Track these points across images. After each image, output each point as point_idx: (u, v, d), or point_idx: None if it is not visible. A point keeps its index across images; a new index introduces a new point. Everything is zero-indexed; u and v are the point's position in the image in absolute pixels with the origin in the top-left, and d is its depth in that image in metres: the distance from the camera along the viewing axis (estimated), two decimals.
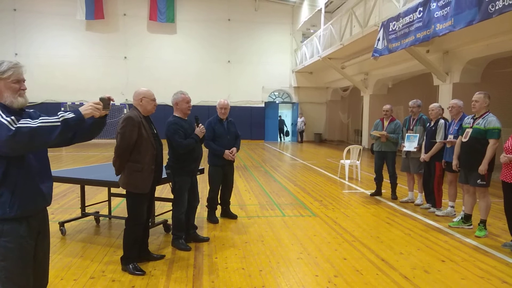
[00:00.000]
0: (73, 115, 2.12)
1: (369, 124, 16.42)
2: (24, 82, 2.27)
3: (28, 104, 2.29)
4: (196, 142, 4.39)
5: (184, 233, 4.53)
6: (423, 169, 6.40)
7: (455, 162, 5.40)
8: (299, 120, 23.09)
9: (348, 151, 9.67)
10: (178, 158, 4.38)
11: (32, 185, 2.24)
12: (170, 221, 4.82)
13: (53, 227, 5.08)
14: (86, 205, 5.41)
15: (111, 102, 2.44)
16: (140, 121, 3.73)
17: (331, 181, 9.36)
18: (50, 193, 2.42)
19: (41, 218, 2.38)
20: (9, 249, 2.16)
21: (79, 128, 2.27)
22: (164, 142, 3.94)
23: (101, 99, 2.35)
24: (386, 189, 7.54)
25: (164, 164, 4.33)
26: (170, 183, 4.52)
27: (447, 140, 5.69)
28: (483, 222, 5.01)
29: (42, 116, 2.20)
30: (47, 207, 2.50)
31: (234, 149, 5.49)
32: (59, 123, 2.06)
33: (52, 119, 2.06)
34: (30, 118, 2.12)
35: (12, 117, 2.02)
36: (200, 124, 4.48)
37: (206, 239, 4.73)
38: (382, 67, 15.25)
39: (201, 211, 5.89)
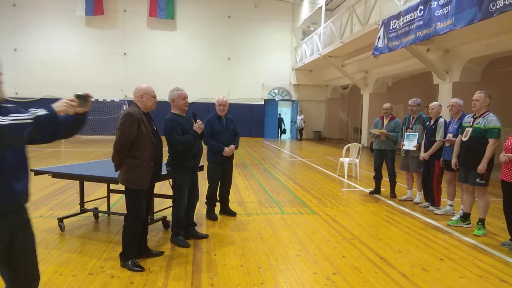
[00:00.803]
0: (46, 112, 2.05)
1: (369, 122, 16.41)
2: (1, 75, 2.14)
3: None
4: (195, 138, 4.38)
5: (183, 230, 4.53)
6: (422, 167, 6.40)
7: (454, 160, 5.39)
8: (299, 118, 23.08)
9: (348, 149, 9.67)
10: (177, 155, 4.38)
11: (3, 183, 2.15)
12: (169, 218, 4.82)
13: (52, 223, 5.11)
14: (85, 201, 5.40)
15: (90, 99, 2.34)
16: (140, 118, 3.72)
17: (330, 179, 9.36)
18: (26, 191, 2.31)
19: (15, 216, 2.26)
20: None
21: (53, 125, 2.19)
22: (164, 139, 3.93)
23: (77, 96, 2.26)
24: (385, 187, 7.55)
25: (164, 161, 4.33)
26: (170, 180, 4.52)
27: (446, 138, 5.69)
28: (481, 221, 5.02)
29: (22, 111, 2.09)
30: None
31: (232, 146, 5.49)
32: (31, 121, 1.97)
33: (24, 116, 1.97)
34: (9, 113, 2.02)
35: None
36: (198, 120, 4.46)
37: (205, 236, 4.73)
38: (382, 66, 15.23)
39: (200, 208, 5.88)
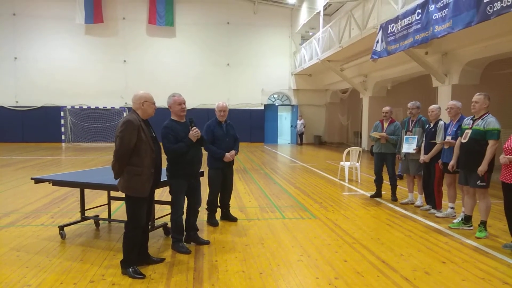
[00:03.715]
0: None
1: (369, 126, 16.43)
2: None
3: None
4: (188, 146, 4.35)
5: (183, 235, 4.53)
6: (423, 170, 6.40)
7: (452, 162, 5.39)
8: (299, 122, 23.10)
9: (348, 153, 9.67)
10: (172, 162, 4.38)
11: None
12: (170, 224, 4.82)
13: (53, 231, 5.10)
14: (85, 208, 5.39)
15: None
16: (139, 125, 3.72)
17: (331, 183, 9.35)
18: None
19: None
20: None
21: None
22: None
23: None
24: (386, 190, 7.54)
25: (164, 167, 4.33)
26: (169, 186, 4.52)
27: (445, 141, 5.69)
28: (483, 223, 5.01)
29: None
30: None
31: (233, 151, 5.50)
32: None
33: None
34: None
35: None
36: (194, 127, 4.41)
37: (207, 242, 4.72)
38: (381, 69, 15.27)
39: (201, 214, 5.86)
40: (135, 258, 3.83)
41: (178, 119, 4.43)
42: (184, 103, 4.44)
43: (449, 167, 5.44)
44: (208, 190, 5.60)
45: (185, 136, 4.34)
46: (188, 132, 4.38)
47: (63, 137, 21.29)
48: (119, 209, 6.31)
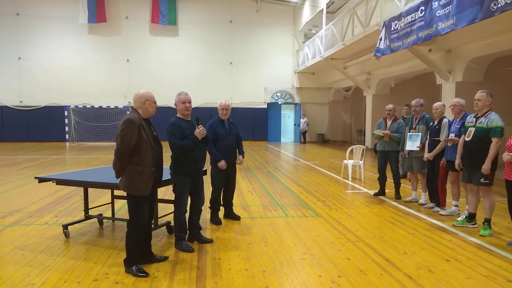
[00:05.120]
0: None
1: (372, 124, 16.37)
2: None
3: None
4: (194, 143, 4.36)
5: (185, 234, 4.54)
6: (427, 168, 6.37)
7: (457, 161, 5.37)
8: (302, 120, 23.07)
9: (351, 151, 9.64)
10: (176, 159, 4.39)
11: None
12: (173, 223, 4.83)
13: (57, 230, 5.13)
14: (89, 207, 5.41)
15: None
16: (140, 124, 3.73)
17: (334, 181, 9.33)
18: None
19: None
20: None
21: None
22: (166, 144, 3.94)
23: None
24: (389, 188, 7.52)
25: (166, 165, 4.34)
26: (172, 184, 4.53)
27: (449, 138, 5.66)
28: (487, 221, 4.98)
29: None
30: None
31: (240, 157, 5.52)
32: None
33: None
34: None
35: None
36: (200, 126, 4.44)
37: (210, 241, 4.73)
38: (384, 67, 15.21)
39: (204, 212, 5.87)
40: (139, 256, 3.84)
41: (183, 117, 4.44)
42: (189, 102, 4.45)
43: (456, 166, 5.41)
44: (211, 189, 5.61)
45: (191, 134, 4.35)
46: (193, 130, 4.39)
47: (67, 136, 21.39)
48: (123, 208, 6.33)
